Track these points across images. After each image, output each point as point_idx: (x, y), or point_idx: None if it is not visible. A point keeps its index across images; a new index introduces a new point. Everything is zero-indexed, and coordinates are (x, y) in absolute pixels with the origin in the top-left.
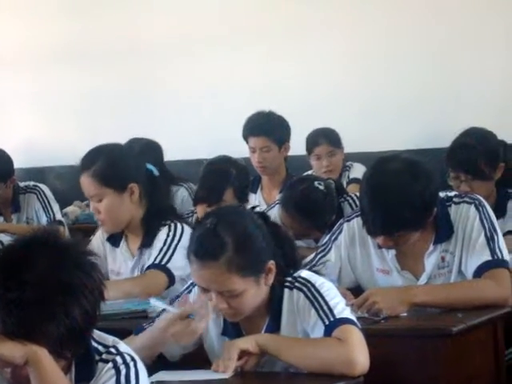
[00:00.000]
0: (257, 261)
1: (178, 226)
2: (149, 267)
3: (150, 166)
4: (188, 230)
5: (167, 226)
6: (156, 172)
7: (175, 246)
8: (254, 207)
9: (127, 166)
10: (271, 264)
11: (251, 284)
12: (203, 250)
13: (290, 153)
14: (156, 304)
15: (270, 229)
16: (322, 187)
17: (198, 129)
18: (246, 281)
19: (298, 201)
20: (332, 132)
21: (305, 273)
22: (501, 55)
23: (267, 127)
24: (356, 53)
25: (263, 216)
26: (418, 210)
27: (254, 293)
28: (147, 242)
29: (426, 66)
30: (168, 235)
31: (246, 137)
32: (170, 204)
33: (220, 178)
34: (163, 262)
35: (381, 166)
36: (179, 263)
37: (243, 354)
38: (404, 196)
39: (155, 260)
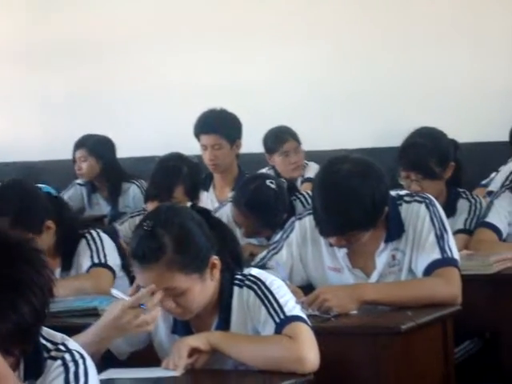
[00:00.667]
0: (198, 257)
1: (94, 233)
2: (90, 267)
3: (46, 189)
4: (104, 235)
5: (84, 239)
6: (53, 191)
7: (102, 248)
8: (193, 204)
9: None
10: (215, 259)
11: (196, 281)
12: (142, 254)
13: (242, 150)
14: (117, 294)
15: (213, 225)
16: (273, 186)
17: (151, 126)
18: (190, 278)
19: (249, 199)
20: (291, 129)
21: (255, 271)
22: (458, 55)
23: (218, 125)
24: (307, 53)
25: (204, 212)
26: (370, 210)
27: (199, 289)
28: (66, 265)
29: (379, 66)
30: (89, 244)
31: (197, 134)
32: (75, 216)
33: (171, 175)
34: (102, 261)
35: (332, 167)
36: (113, 261)
37: (194, 351)
38: (355, 197)
39: (93, 260)
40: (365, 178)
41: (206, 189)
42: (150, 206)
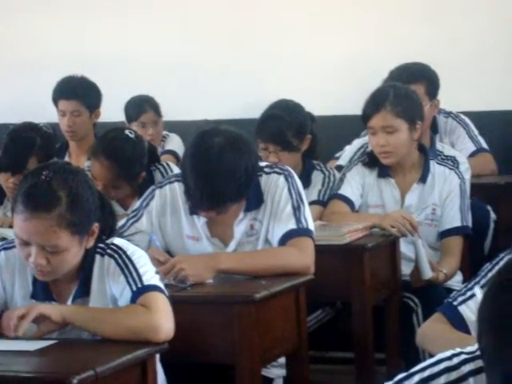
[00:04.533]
0: (85, 220)
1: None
2: None
3: None
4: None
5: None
6: None
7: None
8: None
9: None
10: (96, 227)
11: (75, 243)
12: (36, 201)
13: (103, 119)
14: None
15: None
16: (132, 136)
17: (5, 93)
18: (73, 239)
19: (106, 146)
20: (154, 100)
21: (117, 240)
22: (324, 33)
23: (79, 91)
24: (174, 24)
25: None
26: (243, 183)
27: (75, 253)
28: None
29: (245, 38)
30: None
31: (56, 100)
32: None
33: (23, 146)
34: None
35: (203, 141)
36: None
37: (43, 318)
38: (229, 172)
39: None
40: (237, 152)
41: (61, 157)
42: (3, 178)
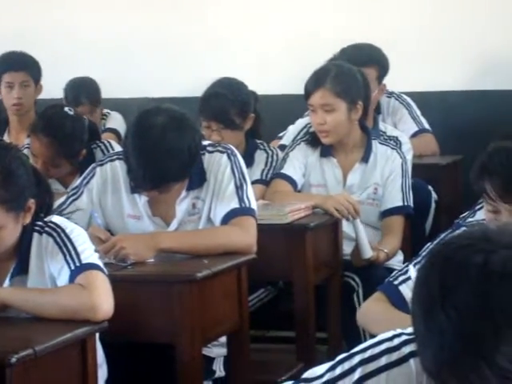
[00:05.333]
0: (19, 196)
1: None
2: None
3: None
4: None
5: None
6: None
7: None
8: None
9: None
10: (31, 203)
11: (11, 220)
12: None
13: (44, 96)
14: None
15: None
16: (71, 113)
17: None
18: (7, 216)
19: (45, 124)
20: (93, 85)
21: (56, 218)
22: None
23: (27, 62)
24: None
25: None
26: (186, 163)
27: (11, 230)
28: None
29: (180, 16)
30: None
31: (2, 72)
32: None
33: None
34: None
35: (146, 120)
36: None
37: None
38: (172, 152)
39: None
40: (180, 131)
41: (1, 135)
42: None
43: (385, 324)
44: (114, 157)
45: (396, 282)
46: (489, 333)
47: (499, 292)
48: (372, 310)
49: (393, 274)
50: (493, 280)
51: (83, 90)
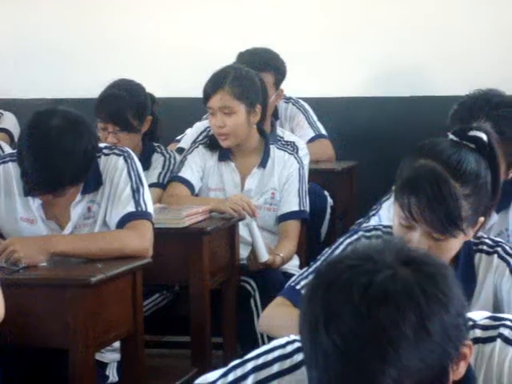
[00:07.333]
0: None
1: None
2: None
3: None
4: None
5: None
6: None
7: None
8: None
9: None
10: None
11: None
12: None
13: None
14: None
15: None
16: None
17: None
18: None
19: None
20: None
21: None
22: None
23: None
24: None
25: None
26: (82, 166)
27: None
28: None
29: (78, 16)
30: None
31: None
32: None
33: None
34: None
35: (41, 122)
36: None
37: None
38: (68, 154)
39: None
40: (76, 134)
41: None
42: None
43: (291, 329)
44: (7, 158)
45: (298, 287)
46: (373, 356)
47: (382, 314)
48: (276, 315)
49: (293, 278)
50: (375, 302)
51: None
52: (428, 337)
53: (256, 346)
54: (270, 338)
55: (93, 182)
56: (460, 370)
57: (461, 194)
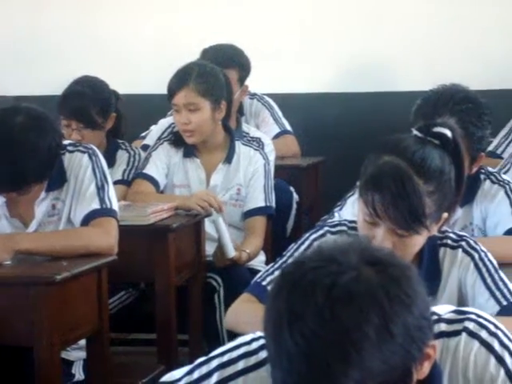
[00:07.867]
0: None
1: None
2: None
3: None
4: None
5: None
6: None
7: None
8: None
9: None
10: None
11: None
12: None
13: None
14: None
15: None
16: None
17: None
18: None
19: None
20: None
21: None
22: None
23: None
24: None
25: None
26: (46, 163)
27: None
28: None
29: (43, 12)
30: None
31: None
32: None
33: None
34: None
35: (3, 120)
36: None
37: None
38: (32, 152)
39: None
40: (40, 131)
41: None
42: None
43: (257, 325)
44: None
45: (264, 283)
46: (336, 358)
47: (344, 316)
48: (243, 311)
49: (259, 274)
50: (338, 304)
51: None
52: (391, 338)
53: (218, 340)
54: (232, 333)
55: (57, 179)
56: (424, 370)
57: (425, 191)
